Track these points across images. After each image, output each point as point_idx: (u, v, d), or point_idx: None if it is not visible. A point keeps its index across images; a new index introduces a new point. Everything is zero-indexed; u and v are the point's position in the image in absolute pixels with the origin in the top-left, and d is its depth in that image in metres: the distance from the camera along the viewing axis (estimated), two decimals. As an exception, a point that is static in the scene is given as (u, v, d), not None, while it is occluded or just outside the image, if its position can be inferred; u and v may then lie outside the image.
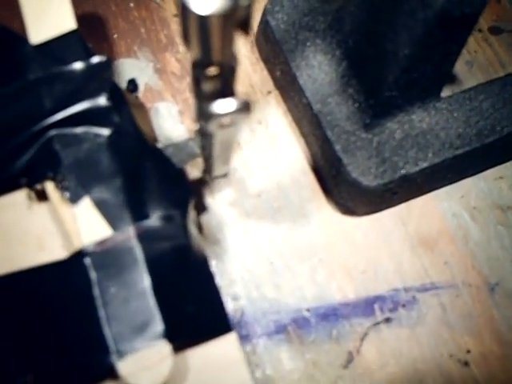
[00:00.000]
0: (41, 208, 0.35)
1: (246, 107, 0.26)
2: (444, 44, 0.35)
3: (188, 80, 0.43)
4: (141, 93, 0.43)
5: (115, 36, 0.44)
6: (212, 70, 0.25)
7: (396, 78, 0.36)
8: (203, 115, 0.26)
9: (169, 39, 0.44)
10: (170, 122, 0.42)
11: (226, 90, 0.26)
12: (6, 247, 0.34)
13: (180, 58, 0.44)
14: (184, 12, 0.20)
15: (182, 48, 0.44)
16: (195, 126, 0.31)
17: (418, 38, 0.33)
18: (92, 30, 0.44)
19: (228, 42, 0.24)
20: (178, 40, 0.44)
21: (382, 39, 0.35)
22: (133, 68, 0.43)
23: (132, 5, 0.45)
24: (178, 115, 0.42)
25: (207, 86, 0.26)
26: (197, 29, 0.22)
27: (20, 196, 0.35)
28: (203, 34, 0.22)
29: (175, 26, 0.45)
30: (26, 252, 0.34)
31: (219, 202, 0.41)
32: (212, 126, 0.27)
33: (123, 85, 0.42)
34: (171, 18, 0.45)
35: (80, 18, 0.37)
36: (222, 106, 0.26)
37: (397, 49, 0.35)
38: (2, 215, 0.35)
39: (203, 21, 0.21)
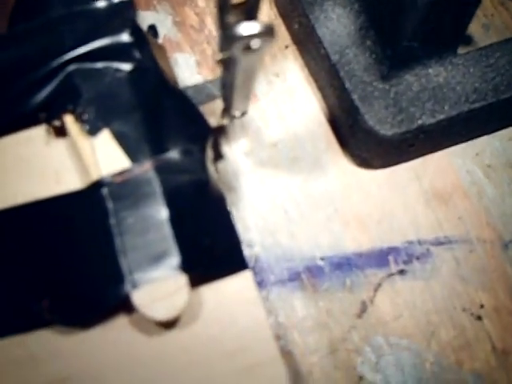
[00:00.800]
0: (59, 143, 0.35)
1: (269, 31, 0.27)
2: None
3: (206, 33, 0.43)
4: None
5: (135, -11, 0.45)
6: (237, -2, 0.26)
7: (414, 28, 0.36)
8: (228, 40, 0.27)
9: (188, -7, 0.45)
10: (188, 72, 0.42)
11: (250, 17, 0.27)
12: (25, 180, 0.35)
13: (198, 11, 0.44)
14: None
15: (200, 2, 0.44)
16: (218, 56, 0.31)
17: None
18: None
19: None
20: (198, -6, 0.45)
21: (401, -12, 0.36)
22: (152, 20, 0.44)
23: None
24: (195, 66, 0.43)
25: (232, 16, 0.27)
26: None
27: (39, 131, 0.35)
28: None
29: (195, -20, 0.45)
30: (44, 185, 0.34)
31: (235, 151, 0.41)
32: (237, 51, 0.27)
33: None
34: (191, -27, 0.46)
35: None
36: (247, 29, 0.26)
37: (415, -2, 0.35)
38: (22, 149, 0.35)
39: None
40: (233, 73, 0.30)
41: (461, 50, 0.42)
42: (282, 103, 0.42)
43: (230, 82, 0.32)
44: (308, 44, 0.42)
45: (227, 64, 0.30)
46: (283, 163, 0.41)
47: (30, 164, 0.35)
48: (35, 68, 0.35)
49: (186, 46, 0.43)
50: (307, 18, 0.40)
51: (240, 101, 0.34)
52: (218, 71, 0.33)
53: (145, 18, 0.44)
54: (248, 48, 0.27)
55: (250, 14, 0.27)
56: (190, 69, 0.43)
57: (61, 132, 0.35)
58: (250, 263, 0.38)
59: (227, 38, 0.27)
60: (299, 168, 0.41)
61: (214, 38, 0.44)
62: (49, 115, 0.35)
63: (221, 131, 0.41)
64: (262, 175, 0.41)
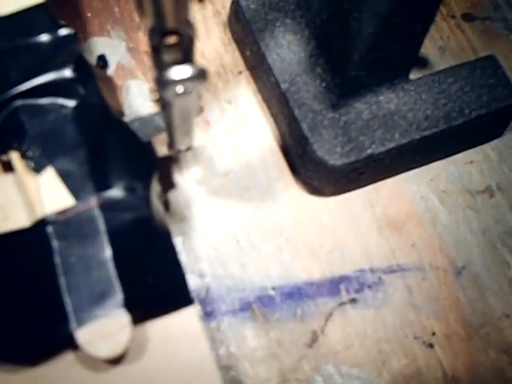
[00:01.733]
0: (6, 179, 0.35)
1: (201, 74, 0.27)
2: (409, 23, 0.35)
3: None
4: (113, 70, 0.43)
5: (89, 15, 0.44)
6: (170, 39, 0.26)
7: (362, 57, 0.36)
8: (160, 82, 0.27)
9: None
10: (141, 99, 0.42)
11: (184, 59, 0.27)
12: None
13: (153, 37, 0.44)
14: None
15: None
16: (155, 96, 0.31)
17: (382, 15, 0.33)
18: (65, 8, 0.44)
19: (181, 6, 0.24)
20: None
21: (347, 18, 0.35)
22: (105, 46, 0.44)
23: (106, -16, 0.46)
24: (148, 93, 0.42)
25: (166, 55, 0.26)
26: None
27: (-14, 166, 0.35)
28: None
29: (149, 6, 0.45)
30: (-10, 222, 0.34)
31: (187, 179, 0.41)
32: (169, 94, 0.27)
33: (94, 61, 0.43)
34: (145, -2, 0.45)
35: (53, -5, 0.37)
36: (178, 73, 0.26)
37: (362, 27, 0.35)
38: (-33, 185, 0.35)
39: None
40: (169, 113, 0.30)
41: (416, 73, 0.41)
42: (235, 131, 0.42)
43: (169, 121, 0.32)
44: (259, 71, 0.42)
45: (163, 103, 0.30)
46: (235, 192, 0.41)
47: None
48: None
49: (138, 73, 0.43)
50: (258, 45, 0.40)
51: (181, 137, 0.34)
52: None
53: (98, 45, 0.44)
54: (180, 91, 0.27)
55: (186, 54, 0.27)
56: (143, 96, 0.42)
57: (9, 167, 0.35)
58: (201, 294, 0.39)
59: (160, 80, 0.27)
60: (251, 197, 0.41)
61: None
62: (-4, 150, 0.35)
63: (172, 160, 0.40)
64: (214, 204, 0.41)
